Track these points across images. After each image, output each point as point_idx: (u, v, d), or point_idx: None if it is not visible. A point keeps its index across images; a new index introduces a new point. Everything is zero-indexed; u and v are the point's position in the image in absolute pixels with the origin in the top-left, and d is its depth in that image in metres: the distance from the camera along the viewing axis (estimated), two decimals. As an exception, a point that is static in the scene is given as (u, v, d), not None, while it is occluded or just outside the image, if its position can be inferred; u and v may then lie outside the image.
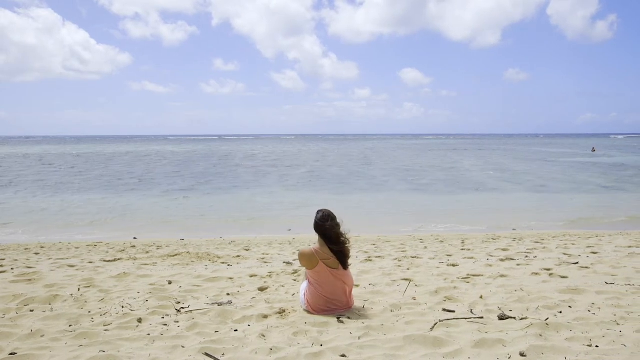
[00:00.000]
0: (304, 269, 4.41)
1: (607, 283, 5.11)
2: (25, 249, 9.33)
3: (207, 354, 3.04)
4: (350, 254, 4.33)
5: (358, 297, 4.71)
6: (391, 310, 4.18)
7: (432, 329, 3.58)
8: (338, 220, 4.18)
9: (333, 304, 4.12)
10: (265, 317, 4.06)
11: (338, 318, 3.94)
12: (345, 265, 4.15)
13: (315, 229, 4.20)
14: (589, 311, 4.00)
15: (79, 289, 5.10)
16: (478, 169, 33.32)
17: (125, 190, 21.34)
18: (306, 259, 4.15)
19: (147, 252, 8.77)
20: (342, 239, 4.14)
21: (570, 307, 4.18)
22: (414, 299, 4.58)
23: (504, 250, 8.32)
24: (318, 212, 4.24)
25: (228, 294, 4.95)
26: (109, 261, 7.58)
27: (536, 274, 5.77)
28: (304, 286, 4.34)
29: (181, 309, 4.29)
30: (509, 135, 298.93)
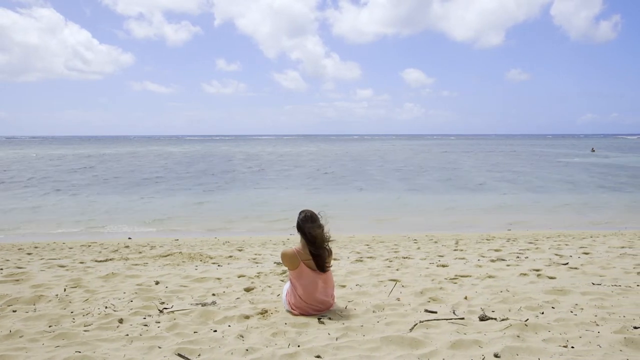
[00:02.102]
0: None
1: (593, 284, 5.09)
2: (19, 249, 9.35)
3: (179, 355, 3.04)
4: (333, 255, 4.31)
5: (343, 297, 4.70)
6: (373, 311, 4.17)
7: (411, 329, 3.58)
8: (322, 222, 4.16)
9: (314, 304, 4.11)
10: (247, 317, 4.06)
11: (319, 319, 3.93)
12: (323, 269, 4.13)
13: (297, 229, 4.19)
14: (571, 312, 3.98)
15: (64, 290, 5.11)
16: (476, 169, 33.29)
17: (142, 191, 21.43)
18: (288, 259, 4.14)
19: (140, 253, 8.77)
20: (323, 241, 4.12)
21: (553, 307, 4.16)
22: (398, 299, 4.57)
23: (496, 250, 8.30)
24: (300, 212, 4.23)
25: (213, 295, 4.95)
26: (100, 261, 7.59)
27: (524, 274, 5.75)
28: (286, 287, 4.33)
29: (164, 310, 4.29)
30: (512, 136, 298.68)
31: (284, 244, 10.04)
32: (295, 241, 10.45)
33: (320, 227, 4.14)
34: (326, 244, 4.16)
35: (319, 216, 4.16)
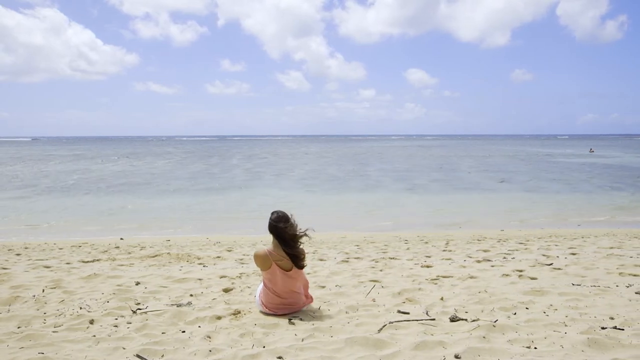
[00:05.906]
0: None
1: (573, 284, 5.07)
2: (9, 250, 9.35)
3: (138, 356, 3.03)
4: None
5: (320, 298, 4.69)
6: (346, 312, 4.16)
7: (379, 330, 3.56)
8: (292, 221, 4.16)
9: (286, 304, 4.11)
10: (219, 318, 4.05)
11: (290, 320, 3.92)
12: (299, 267, 4.13)
13: (269, 230, 4.19)
14: (544, 312, 3.96)
15: (43, 290, 5.11)
16: (474, 169, 33.22)
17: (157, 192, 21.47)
18: (260, 260, 4.14)
19: (130, 253, 8.77)
20: (297, 240, 4.12)
21: (527, 308, 4.14)
22: (374, 300, 4.56)
23: (485, 251, 8.27)
24: (272, 213, 4.24)
25: (191, 295, 4.94)
26: (87, 262, 7.59)
27: (506, 275, 5.72)
28: (259, 287, 4.33)
29: (137, 310, 4.28)
30: (513, 136, 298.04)
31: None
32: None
33: (293, 226, 4.15)
34: (299, 243, 4.16)
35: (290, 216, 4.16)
